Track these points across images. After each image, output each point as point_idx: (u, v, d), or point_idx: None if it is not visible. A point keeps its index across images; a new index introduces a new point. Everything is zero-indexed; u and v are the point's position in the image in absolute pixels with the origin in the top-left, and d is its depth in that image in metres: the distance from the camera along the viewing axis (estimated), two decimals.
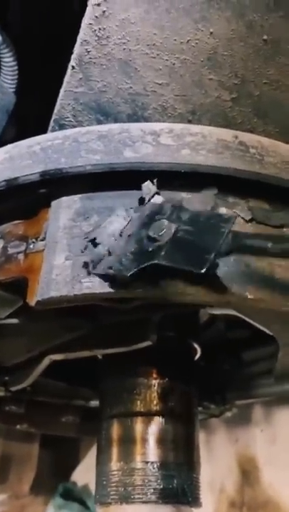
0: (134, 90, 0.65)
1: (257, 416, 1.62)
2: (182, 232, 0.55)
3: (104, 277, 0.55)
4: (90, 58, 0.61)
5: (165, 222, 0.56)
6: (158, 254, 0.53)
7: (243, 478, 1.67)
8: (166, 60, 0.61)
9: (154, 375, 0.90)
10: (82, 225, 0.61)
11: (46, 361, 0.84)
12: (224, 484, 1.70)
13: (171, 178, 0.62)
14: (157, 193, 0.62)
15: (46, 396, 1.22)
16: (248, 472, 1.66)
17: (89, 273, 0.56)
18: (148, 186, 0.61)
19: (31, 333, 0.78)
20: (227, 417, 1.37)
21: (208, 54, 0.60)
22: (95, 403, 1.23)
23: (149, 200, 0.62)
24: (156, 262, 0.53)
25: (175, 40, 0.58)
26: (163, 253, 0.53)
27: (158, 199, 0.63)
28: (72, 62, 0.62)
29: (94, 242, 0.57)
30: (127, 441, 0.86)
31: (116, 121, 0.68)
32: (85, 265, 0.56)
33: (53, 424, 1.34)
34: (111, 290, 0.55)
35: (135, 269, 0.53)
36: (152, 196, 0.62)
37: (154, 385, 0.89)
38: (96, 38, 0.58)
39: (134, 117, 0.68)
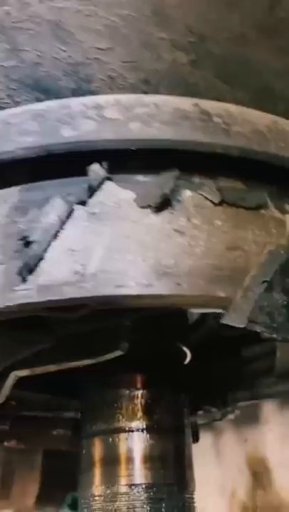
0: (74, 59, 0.55)
1: (265, 414, 1.52)
2: None
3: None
4: (13, 22, 0.51)
5: None
6: None
7: (254, 480, 1.58)
8: (105, 17, 0.51)
9: (137, 385, 0.81)
10: (19, 221, 0.51)
11: (12, 378, 0.75)
12: (235, 488, 1.61)
13: (124, 159, 0.53)
14: (108, 178, 0.53)
15: (32, 410, 1.13)
16: (259, 474, 1.56)
17: (24, 279, 0.46)
18: (96, 170, 0.51)
19: None
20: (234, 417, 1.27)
21: (153, 6, 0.50)
22: None
23: (98, 187, 0.52)
24: None
25: None
26: None
27: (110, 186, 0.53)
28: None
29: (26, 241, 0.47)
30: (110, 462, 0.77)
31: (58, 98, 0.58)
32: (19, 271, 0.46)
33: (43, 439, 1.25)
34: (51, 298, 0.46)
35: None
36: (102, 182, 0.53)
37: (137, 396, 0.80)
38: None
39: (79, 92, 0.58)
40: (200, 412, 1.21)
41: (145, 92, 0.59)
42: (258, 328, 0.47)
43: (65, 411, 1.17)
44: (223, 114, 0.53)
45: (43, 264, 0.47)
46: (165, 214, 0.51)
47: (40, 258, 0.47)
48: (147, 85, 0.58)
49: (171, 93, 0.58)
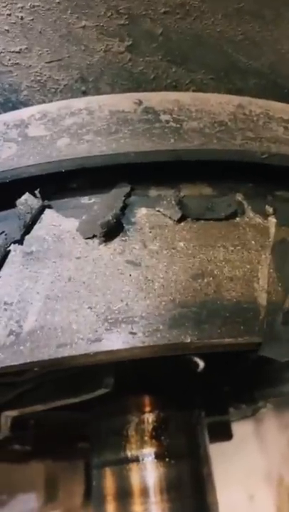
0: None
1: None
2: None
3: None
4: None
5: None
6: None
7: None
8: (8, 15, 0.41)
9: (144, 409, 0.73)
10: None
11: (3, 419, 0.70)
12: (282, 475, 1.54)
13: (63, 180, 0.44)
14: (47, 206, 0.44)
15: (53, 428, 1.10)
16: None
17: None
18: (27, 202, 0.43)
19: None
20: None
21: None
22: None
23: (34, 220, 0.44)
24: None
25: None
26: None
27: (51, 214, 0.44)
28: None
29: None
30: (123, 496, 0.70)
31: None
32: None
33: (69, 453, 1.22)
34: None
35: None
36: (39, 213, 0.44)
37: (144, 421, 0.72)
38: None
39: (8, 105, 0.49)
40: (231, 409, 1.14)
41: (85, 92, 0.49)
42: None
43: (85, 425, 1.13)
44: (172, 109, 0.43)
45: None
46: (116, 243, 0.42)
47: None
48: (85, 84, 0.48)
49: (115, 88, 0.49)
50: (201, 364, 0.83)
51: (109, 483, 0.72)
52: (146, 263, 0.41)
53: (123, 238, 0.42)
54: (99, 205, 0.44)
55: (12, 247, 0.43)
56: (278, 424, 1.53)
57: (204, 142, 0.41)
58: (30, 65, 0.46)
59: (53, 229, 0.43)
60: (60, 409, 0.98)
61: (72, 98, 0.48)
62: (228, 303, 0.39)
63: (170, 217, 0.43)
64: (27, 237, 0.43)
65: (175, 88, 0.50)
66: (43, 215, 0.44)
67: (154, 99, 0.44)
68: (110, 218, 0.41)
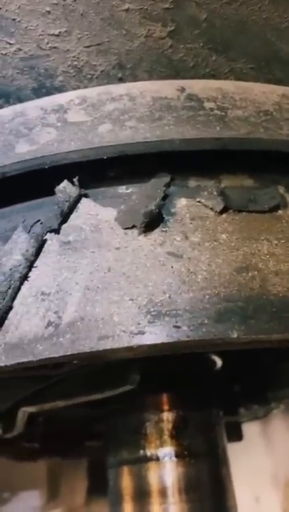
0: (27, 53, 0.44)
1: None
2: None
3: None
4: None
5: None
6: None
7: None
8: None
9: (162, 407, 0.72)
10: None
11: (21, 414, 0.68)
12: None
13: (101, 168, 0.43)
14: (84, 195, 0.43)
15: (61, 426, 1.08)
16: None
17: None
18: (65, 189, 0.41)
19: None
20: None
21: None
22: None
23: (72, 208, 0.42)
24: None
25: None
26: None
27: (88, 203, 0.43)
28: None
29: None
30: (141, 495, 0.69)
31: (20, 100, 0.48)
32: None
33: (77, 451, 1.21)
34: (21, 360, 0.37)
35: None
36: (76, 201, 0.43)
37: (163, 421, 0.71)
38: None
39: (42, 91, 0.48)
40: (242, 410, 1.12)
41: (121, 79, 0.48)
42: None
43: (96, 422, 1.11)
44: (216, 97, 0.42)
45: (10, 316, 0.39)
46: (156, 234, 0.41)
47: (8, 309, 0.38)
48: (122, 70, 0.47)
49: (153, 75, 0.47)
50: (219, 362, 0.82)
51: (126, 482, 0.71)
52: (188, 255, 0.39)
53: (163, 229, 0.41)
54: (137, 194, 0.43)
55: (48, 236, 0.42)
56: (286, 425, 1.52)
57: (251, 131, 0.40)
58: (68, 49, 0.44)
59: (91, 218, 0.42)
60: (74, 406, 0.97)
61: (108, 85, 0.47)
62: (274, 298, 0.38)
63: (211, 209, 0.42)
64: (64, 226, 0.42)
65: (213, 77, 0.48)
66: (79, 204, 0.43)
67: (196, 86, 0.43)
68: (153, 208, 0.39)
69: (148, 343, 0.35)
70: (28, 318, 0.38)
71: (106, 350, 0.35)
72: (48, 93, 0.48)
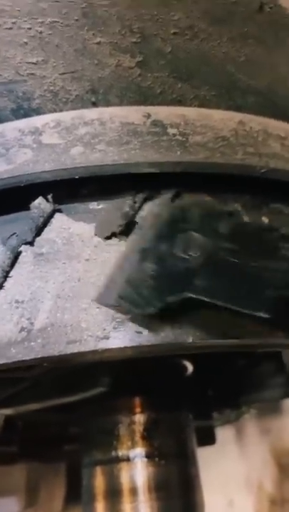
0: (6, 78, 0.48)
1: (287, 403, 1.47)
2: (224, 252, 0.40)
3: (119, 310, 0.40)
4: None
5: (197, 236, 0.41)
6: (192, 283, 0.39)
7: (281, 472, 1.53)
8: (29, 28, 0.44)
9: (134, 409, 0.75)
10: None
11: None
12: (262, 481, 1.57)
13: (73, 186, 0.46)
14: (57, 210, 0.47)
15: (39, 429, 1.10)
16: (285, 466, 1.52)
17: None
18: (39, 206, 0.45)
19: None
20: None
21: (81, 9, 0.42)
22: None
23: (45, 223, 0.46)
24: (190, 295, 0.38)
25: None
26: (199, 282, 0.38)
27: (60, 218, 0.47)
28: None
29: None
30: (112, 494, 0.72)
31: (0, 121, 0.52)
32: None
33: (55, 455, 1.23)
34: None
35: (160, 305, 0.38)
36: (50, 216, 0.46)
37: (135, 422, 0.74)
38: None
39: (20, 112, 0.51)
40: (215, 414, 1.16)
41: (94, 103, 0.52)
42: (123, 304, 0.39)
43: (74, 426, 1.14)
44: (179, 123, 0.46)
45: None
46: (122, 246, 0.45)
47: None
48: (95, 95, 0.51)
49: (123, 100, 0.51)
50: (190, 367, 0.86)
51: (99, 482, 0.74)
52: None
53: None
54: (106, 210, 0.46)
55: (23, 247, 0.45)
56: (260, 429, 1.56)
57: (208, 156, 0.44)
58: (44, 76, 0.48)
59: (63, 232, 0.46)
60: (49, 409, 0.99)
61: (82, 108, 0.51)
62: None
63: None
64: (38, 239, 0.45)
65: (180, 103, 0.52)
66: (53, 219, 0.46)
67: (162, 112, 0.47)
68: (124, 221, 0.43)
69: (112, 347, 0.39)
70: (2, 324, 0.42)
71: (74, 353, 0.39)
72: (26, 114, 0.52)
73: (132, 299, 0.39)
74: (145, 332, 0.40)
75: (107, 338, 0.40)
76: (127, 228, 0.45)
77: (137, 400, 0.75)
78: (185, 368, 0.84)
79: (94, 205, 0.47)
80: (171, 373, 0.82)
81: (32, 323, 0.41)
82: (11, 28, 0.43)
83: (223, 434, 1.49)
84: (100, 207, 0.47)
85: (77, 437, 1.15)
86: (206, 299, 0.38)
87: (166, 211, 0.45)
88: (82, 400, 0.74)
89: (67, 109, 0.52)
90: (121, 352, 0.39)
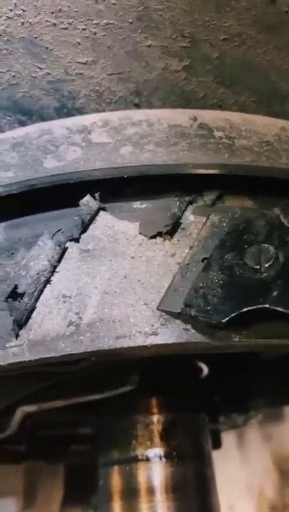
0: (54, 76, 0.49)
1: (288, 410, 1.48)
2: None
3: (185, 320, 0.41)
4: None
5: (269, 247, 0.42)
6: (267, 294, 0.39)
7: (282, 478, 1.54)
8: (83, 29, 0.45)
9: (152, 410, 0.76)
10: (7, 264, 0.46)
11: (19, 414, 0.71)
12: (263, 487, 1.57)
13: (119, 186, 0.47)
14: (102, 209, 0.47)
15: (48, 429, 1.10)
16: (287, 472, 1.53)
17: (17, 335, 0.41)
18: (87, 203, 0.46)
19: None
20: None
21: (137, 12, 0.44)
22: None
23: (90, 220, 0.47)
24: (267, 306, 0.38)
25: None
26: (275, 293, 0.39)
27: (105, 216, 0.47)
28: None
29: (15, 292, 0.42)
30: (129, 494, 0.73)
31: (42, 119, 0.52)
32: (13, 327, 0.41)
33: (61, 455, 1.23)
34: (44, 356, 0.41)
35: (234, 314, 0.38)
36: (95, 214, 0.47)
37: (153, 423, 0.75)
38: None
39: (63, 111, 0.52)
40: (221, 418, 1.16)
41: (137, 105, 0.53)
42: (192, 313, 0.40)
43: (82, 427, 1.14)
44: (225, 127, 0.47)
45: (34, 315, 0.43)
46: (167, 246, 0.45)
47: (32, 309, 0.42)
48: (138, 97, 0.52)
49: (166, 103, 0.52)
50: (205, 370, 0.86)
51: (116, 481, 0.74)
52: None
53: (174, 242, 0.46)
54: (150, 210, 0.47)
55: (69, 244, 0.46)
56: (261, 435, 1.57)
57: (254, 159, 0.45)
58: (92, 76, 0.49)
59: (108, 230, 0.46)
60: (60, 409, 1.00)
61: (124, 109, 0.52)
62: None
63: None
64: (83, 235, 0.46)
65: (220, 107, 0.54)
66: (97, 217, 0.47)
67: (207, 116, 0.48)
68: (168, 222, 0.44)
69: (161, 342, 0.40)
70: (50, 318, 0.42)
71: (123, 348, 0.40)
72: (69, 113, 0.53)
73: (199, 307, 0.39)
74: (193, 329, 0.41)
75: (155, 334, 0.40)
76: (173, 228, 0.45)
77: (156, 401, 0.76)
78: (200, 370, 0.85)
79: (137, 205, 0.48)
80: (188, 375, 0.82)
81: (80, 318, 0.41)
82: (66, 28, 0.44)
83: (225, 439, 1.49)
84: (142, 206, 0.48)
85: (85, 438, 1.16)
86: (282, 310, 0.38)
87: (228, 222, 0.45)
88: (101, 399, 0.75)
89: (110, 109, 0.53)
90: (169, 348, 0.40)
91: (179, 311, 0.40)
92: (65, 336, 0.41)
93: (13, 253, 0.47)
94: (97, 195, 0.46)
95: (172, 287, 0.41)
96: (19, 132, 0.48)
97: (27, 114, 0.52)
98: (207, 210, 0.48)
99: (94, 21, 0.44)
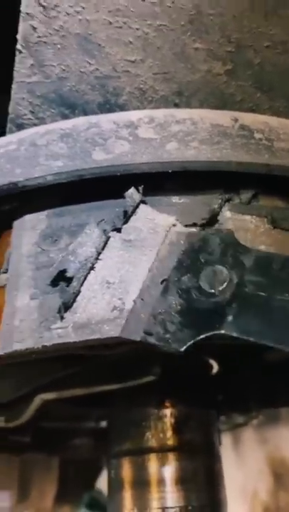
0: (102, 73, 0.51)
1: (285, 414, 1.50)
2: (250, 285, 0.40)
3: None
4: (39, 37, 0.47)
5: (223, 269, 0.42)
6: (223, 319, 0.39)
7: (276, 481, 1.56)
8: (137, 29, 0.47)
9: (166, 404, 0.78)
10: (51, 250, 0.48)
11: (37, 401, 0.73)
12: (257, 489, 1.59)
13: (160, 180, 0.49)
14: (143, 202, 0.49)
15: (53, 422, 1.11)
16: (281, 475, 1.55)
17: (62, 317, 0.43)
18: (131, 195, 0.48)
19: (14, 374, 0.66)
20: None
21: (189, 15, 0.46)
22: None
23: (132, 212, 0.49)
24: (223, 332, 0.39)
25: (144, 0, 0.45)
26: (230, 318, 0.38)
27: (145, 209, 0.49)
28: (18, 45, 0.48)
29: (63, 276, 0.44)
30: (140, 484, 0.74)
31: (85, 113, 0.54)
32: (58, 309, 0.43)
33: (64, 449, 1.24)
34: (89, 338, 0.42)
35: (191, 342, 0.39)
36: (137, 206, 0.49)
37: (166, 415, 0.77)
38: (41, 9, 0.45)
39: (106, 106, 0.54)
40: (222, 418, 1.18)
41: (176, 105, 0.55)
42: (152, 341, 0.39)
43: (86, 421, 1.15)
44: (264, 129, 0.49)
45: (79, 299, 0.44)
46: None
47: (78, 293, 0.44)
48: (179, 97, 0.54)
49: (204, 104, 0.55)
50: (216, 366, 0.88)
51: (127, 472, 0.76)
52: None
53: None
54: (189, 204, 0.49)
55: (111, 233, 0.48)
56: (257, 438, 1.58)
57: None
58: (138, 74, 0.51)
59: (148, 222, 0.48)
60: (67, 402, 1.01)
61: (164, 108, 0.54)
62: None
63: (251, 222, 0.49)
64: (125, 226, 0.48)
65: (254, 111, 0.56)
66: (138, 209, 0.49)
67: (247, 118, 0.50)
68: (206, 215, 0.46)
69: None
70: (94, 302, 0.44)
71: None
72: (111, 109, 0.55)
73: (158, 336, 0.39)
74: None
75: None
76: (209, 222, 0.48)
77: (170, 394, 0.78)
78: (211, 367, 0.87)
79: (176, 199, 0.50)
80: (199, 370, 0.84)
81: (124, 303, 0.43)
82: (120, 27, 0.46)
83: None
84: (181, 201, 0.50)
85: (90, 432, 1.17)
86: (236, 336, 0.38)
87: (185, 240, 0.45)
88: (114, 391, 0.76)
89: (150, 107, 0.55)
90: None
91: (139, 339, 0.40)
92: (110, 320, 0.43)
93: (56, 240, 0.49)
94: (140, 188, 0.48)
95: (133, 312, 0.41)
96: (66, 124, 0.50)
97: (71, 107, 0.54)
98: (243, 208, 0.50)
99: (148, 22, 0.46)
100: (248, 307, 0.39)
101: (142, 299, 0.42)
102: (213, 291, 0.41)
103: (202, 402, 0.81)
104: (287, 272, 0.41)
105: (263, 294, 0.40)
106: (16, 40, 0.49)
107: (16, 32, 0.48)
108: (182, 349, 0.39)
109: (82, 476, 1.84)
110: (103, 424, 1.14)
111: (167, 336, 0.40)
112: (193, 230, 0.47)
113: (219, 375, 0.92)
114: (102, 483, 1.83)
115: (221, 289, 0.41)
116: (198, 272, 0.42)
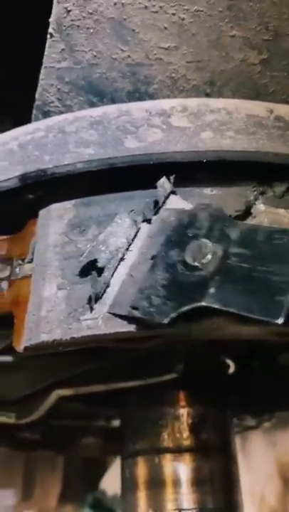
0: (134, 60, 0.49)
1: None
2: (234, 257, 0.39)
3: (128, 319, 0.41)
4: (72, 20, 0.46)
5: (207, 242, 0.41)
6: (204, 291, 0.38)
7: (284, 486, 1.54)
8: (173, 14, 0.45)
9: (182, 403, 0.76)
10: (78, 240, 0.47)
11: (53, 397, 0.71)
12: (264, 493, 1.57)
13: (192, 170, 0.48)
14: (173, 192, 0.48)
15: (63, 420, 1.10)
16: None
17: (91, 308, 0.42)
18: (163, 185, 0.46)
19: (31, 369, 0.65)
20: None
21: (227, 1, 0.44)
22: (117, 423, 1.11)
23: (163, 202, 0.47)
24: (204, 304, 0.38)
25: None
26: (212, 290, 0.38)
27: (175, 200, 0.48)
28: (50, 29, 0.47)
29: (94, 266, 0.42)
30: (155, 484, 0.73)
31: (113, 101, 0.53)
32: (88, 300, 0.42)
33: (73, 447, 1.23)
34: (120, 330, 0.41)
35: (174, 315, 0.38)
36: (167, 197, 0.48)
37: (183, 415, 0.75)
38: None
39: (135, 95, 0.53)
40: (234, 420, 1.16)
41: (208, 94, 0.53)
42: (137, 315, 0.39)
43: (96, 419, 1.14)
44: None
45: (108, 290, 0.43)
46: None
47: (108, 284, 0.42)
48: (211, 87, 0.52)
49: (236, 94, 0.53)
50: (232, 367, 0.87)
51: (142, 471, 0.74)
52: None
53: None
54: (222, 196, 0.48)
55: (141, 224, 0.46)
56: (265, 442, 1.57)
57: None
58: (171, 62, 0.50)
59: None
60: (80, 400, 0.99)
61: (194, 98, 0.52)
62: None
63: (285, 216, 0.48)
64: (154, 217, 0.47)
65: (287, 103, 0.54)
66: (167, 200, 0.48)
67: (281, 109, 0.49)
68: (240, 208, 0.45)
69: None
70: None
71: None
72: (140, 98, 0.53)
73: (144, 309, 0.39)
74: None
75: None
76: (244, 215, 0.46)
77: (187, 393, 0.76)
78: (227, 366, 0.85)
79: (208, 191, 0.49)
80: (216, 370, 0.83)
81: None
82: (156, 12, 0.45)
83: None
84: (213, 193, 0.49)
85: (99, 431, 1.15)
86: (218, 307, 0.37)
87: (175, 216, 0.45)
88: (130, 389, 0.75)
89: (181, 97, 0.54)
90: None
91: (125, 313, 0.40)
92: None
93: (84, 230, 0.47)
94: (172, 178, 0.46)
95: (121, 289, 0.41)
96: (96, 112, 0.49)
97: (99, 95, 0.53)
98: (277, 202, 0.49)
99: (184, 7, 0.45)
100: (230, 279, 0.38)
101: (131, 275, 0.42)
102: (197, 264, 0.40)
103: (219, 402, 0.79)
104: (271, 244, 0.40)
105: (246, 265, 0.39)
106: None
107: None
108: (165, 321, 0.38)
109: (86, 476, 1.83)
110: (113, 423, 1.12)
111: (152, 309, 0.39)
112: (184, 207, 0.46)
113: (234, 376, 0.91)
114: (106, 483, 1.82)
115: (204, 262, 0.40)
116: (185, 246, 0.42)
